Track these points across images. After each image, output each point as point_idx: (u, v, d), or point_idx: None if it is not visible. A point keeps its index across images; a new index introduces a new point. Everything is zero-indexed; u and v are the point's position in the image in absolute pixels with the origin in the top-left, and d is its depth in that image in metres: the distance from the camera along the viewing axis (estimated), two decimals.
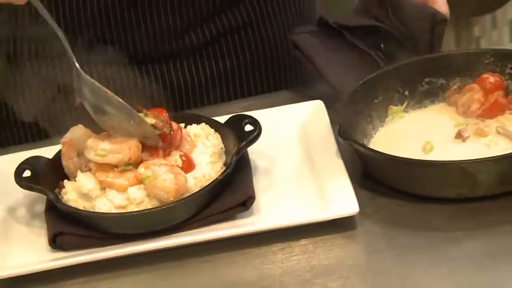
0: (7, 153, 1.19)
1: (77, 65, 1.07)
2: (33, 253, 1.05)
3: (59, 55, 1.25)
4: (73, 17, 1.27)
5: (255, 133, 1.09)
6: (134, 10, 1.27)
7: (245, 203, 1.04)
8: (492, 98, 1.14)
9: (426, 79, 1.20)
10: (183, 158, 1.06)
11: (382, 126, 1.17)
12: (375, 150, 1.07)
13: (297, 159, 1.13)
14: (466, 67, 1.19)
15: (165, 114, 1.08)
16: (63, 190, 1.07)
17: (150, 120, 1.05)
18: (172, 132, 1.06)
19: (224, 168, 1.08)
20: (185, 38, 1.31)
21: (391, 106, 1.18)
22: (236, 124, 1.11)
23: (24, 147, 1.20)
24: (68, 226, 1.04)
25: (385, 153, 1.06)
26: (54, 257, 1.03)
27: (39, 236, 1.06)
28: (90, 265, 1.01)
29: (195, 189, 1.05)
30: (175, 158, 1.05)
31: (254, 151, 1.11)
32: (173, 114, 1.12)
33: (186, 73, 1.32)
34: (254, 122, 1.10)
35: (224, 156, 1.10)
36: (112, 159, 1.04)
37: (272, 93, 1.35)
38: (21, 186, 1.07)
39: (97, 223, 1.04)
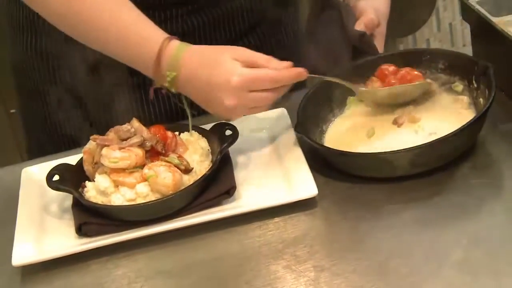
0: (40, 163, 1.16)
1: None
2: (64, 240, 1.03)
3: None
4: None
5: (234, 136, 1.07)
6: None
7: (229, 192, 1.03)
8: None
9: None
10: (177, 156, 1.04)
11: (341, 113, 1.15)
12: (317, 143, 1.06)
13: (267, 155, 1.11)
14: (409, 63, 1.14)
15: (162, 130, 1.06)
16: (85, 189, 1.05)
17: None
18: (163, 150, 1.04)
19: (210, 165, 1.06)
20: None
21: (349, 97, 1.15)
22: (218, 130, 1.09)
23: (52, 157, 1.18)
24: (91, 217, 1.02)
25: (324, 146, 1.06)
26: (81, 242, 1.01)
27: (68, 226, 1.04)
28: (109, 247, 1.00)
29: (189, 183, 1.03)
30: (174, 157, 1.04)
31: (233, 150, 1.09)
32: (170, 125, 1.10)
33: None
34: (233, 128, 1.08)
35: (210, 155, 1.08)
36: (122, 164, 1.02)
37: None
38: (51, 188, 1.05)
39: (113, 213, 1.02)
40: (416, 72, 1.13)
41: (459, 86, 1.13)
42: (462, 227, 0.94)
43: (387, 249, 0.93)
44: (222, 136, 1.08)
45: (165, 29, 1.07)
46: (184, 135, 1.10)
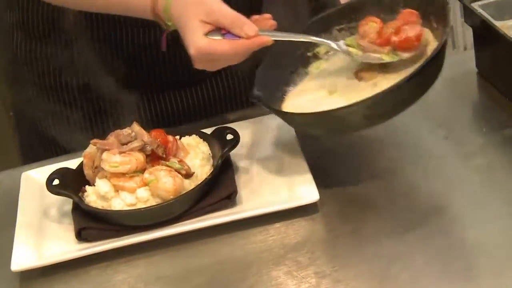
0: (40, 166, 1.15)
1: None
2: (63, 245, 1.02)
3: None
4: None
5: (235, 141, 1.06)
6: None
7: (230, 196, 1.02)
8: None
9: (337, 27, 1.11)
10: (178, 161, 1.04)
11: (306, 74, 1.11)
12: (273, 108, 1.03)
13: (269, 159, 1.10)
14: (371, 10, 1.09)
15: (163, 134, 1.05)
16: (85, 194, 1.04)
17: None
18: (164, 155, 1.03)
19: (212, 169, 1.05)
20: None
21: (315, 51, 1.12)
22: (219, 134, 1.08)
23: (52, 161, 1.17)
24: (91, 222, 1.02)
25: (278, 110, 1.03)
26: (81, 247, 1.00)
27: (67, 231, 1.03)
28: (110, 252, 0.99)
29: (190, 187, 1.02)
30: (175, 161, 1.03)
31: (235, 155, 1.09)
32: (170, 129, 1.09)
33: (183, 100, 1.28)
34: (234, 132, 1.07)
35: (211, 160, 1.07)
36: (122, 169, 1.01)
37: (246, 109, 1.32)
38: (51, 192, 1.04)
39: (113, 218, 1.01)
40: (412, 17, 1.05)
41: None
42: (465, 233, 0.94)
43: (389, 254, 0.93)
44: (223, 140, 1.07)
45: None
46: (185, 139, 1.09)
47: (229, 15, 1.00)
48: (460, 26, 2.54)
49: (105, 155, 1.02)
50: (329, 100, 1.05)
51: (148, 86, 1.25)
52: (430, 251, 0.92)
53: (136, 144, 1.03)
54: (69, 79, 1.24)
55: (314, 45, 1.12)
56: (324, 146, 1.12)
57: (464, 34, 2.55)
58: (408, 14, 1.04)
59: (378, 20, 1.05)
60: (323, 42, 1.07)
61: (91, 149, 1.07)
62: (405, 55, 1.02)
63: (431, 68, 0.98)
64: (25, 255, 0.99)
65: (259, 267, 0.95)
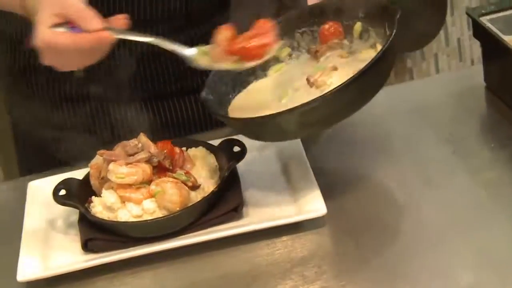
0: (46, 176, 1.15)
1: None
2: (69, 255, 1.01)
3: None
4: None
5: (242, 153, 1.06)
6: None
7: (236, 209, 1.02)
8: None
9: (299, 30, 1.10)
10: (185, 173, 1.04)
11: (264, 76, 1.10)
12: (214, 111, 1.03)
13: (275, 172, 1.09)
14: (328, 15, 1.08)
15: (170, 146, 1.05)
16: (92, 204, 1.03)
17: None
18: (171, 166, 1.03)
19: (218, 181, 1.05)
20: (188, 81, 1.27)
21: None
22: (227, 146, 1.08)
23: (58, 171, 1.17)
24: (97, 232, 1.01)
25: (218, 113, 1.02)
26: (87, 258, 1.00)
27: (74, 242, 1.03)
28: (116, 264, 0.98)
29: (196, 199, 1.02)
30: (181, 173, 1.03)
31: (241, 167, 1.08)
32: (177, 140, 1.09)
33: (188, 109, 1.28)
34: (241, 145, 1.07)
35: (218, 172, 1.07)
36: (129, 180, 1.01)
37: None
38: (57, 203, 1.04)
39: (120, 229, 1.01)
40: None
41: (374, 38, 1.05)
42: (472, 248, 0.93)
43: (396, 270, 0.92)
44: (230, 152, 1.07)
45: None
46: (192, 151, 1.09)
47: (79, 9, 0.99)
48: (467, 39, 2.54)
49: (111, 166, 1.02)
50: (277, 104, 1.03)
51: (153, 95, 1.25)
52: (436, 266, 0.91)
53: (142, 155, 1.03)
54: (69, 89, 1.24)
55: None
56: (332, 159, 1.12)
57: (471, 47, 2.55)
58: (262, 24, 1.02)
59: (230, 28, 1.03)
60: (173, 47, 1.03)
61: (97, 159, 1.07)
62: (248, 64, 1.01)
63: (367, 78, 0.96)
64: (31, 266, 0.99)
65: (265, 281, 0.94)
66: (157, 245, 0.99)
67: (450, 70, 2.56)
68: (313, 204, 1.00)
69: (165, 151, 1.03)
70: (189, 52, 1.03)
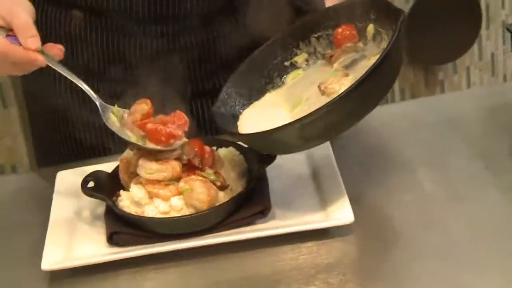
0: (75, 167, 1.15)
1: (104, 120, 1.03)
2: (94, 247, 1.02)
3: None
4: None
5: (272, 156, 1.05)
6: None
7: (263, 212, 1.01)
8: None
9: (315, 35, 1.08)
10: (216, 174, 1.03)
11: (282, 84, 1.09)
12: (224, 130, 1.02)
13: (305, 176, 1.09)
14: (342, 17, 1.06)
15: (200, 144, 1.04)
16: (119, 198, 1.04)
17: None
18: (200, 165, 1.03)
19: (246, 183, 1.04)
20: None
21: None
22: None
23: (87, 162, 1.17)
24: (123, 226, 1.02)
25: (224, 129, 1.02)
26: (111, 251, 1.00)
27: (99, 234, 1.03)
28: (140, 259, 0.98)
29: (224, 199, 1.02)
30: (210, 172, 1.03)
31: (270, 170, 1.08)
32: (207, 139, 1.09)
33: None
34: None
35: (246, 173, 1.07)
36: (158, 176, 1.01)
37: None
38: (85, 194, 1.04)
39: (146, 225, 1.01)
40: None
41: (386, 40, 1.01)
42: (502, 266, 0.92)
43: (421, 282, 0.91)
44: (260, 155, 1.06)
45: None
46: (222, 151, 1.09)
47: (23, 23, 1.00)
48: (501, 54, 2.52)
49: (141, 161, 1.02)
50: (289, 115, 1.02)
51: (188, 93, 1.25)
52: (463, 281, 0.90)
53: (173, 152, 1.03)
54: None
55: (291, 53, 1.09)
56: (362, 165, 1.11)
57: (505, 62, 2.53)
58: (179, 115, 1.04)
59: (149, 103, 1.04)
60: (91, 94, 1.04)
61: (127, 154, 1.07)
62: (151, 145, 1.02)
63: (366, 87, 0.92)
64: (56, 255, 1.00)
65: (288, 285, 0.94)
66: (182, 242, 0.99)
67: (482, 84, 2.54)
68: (340, 211, 1.00)
69: (195, 149, 1.03)
70: (100, 104, 1.04)
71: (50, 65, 1.01)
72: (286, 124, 0.93)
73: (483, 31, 2.47)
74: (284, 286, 0.94)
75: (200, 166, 1.03)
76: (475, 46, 2.48)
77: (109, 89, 1.20)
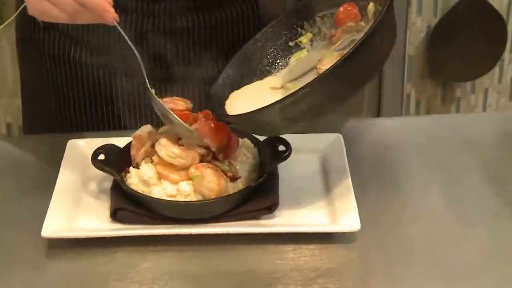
0: (87, 137, 1.15)
1: (149, 88, 1.01)
2: (96, 221, 1.01)
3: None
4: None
5: (286, 153, 1.05)
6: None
7: (270, 208, 1.01)
8: None
9: (319, 14, 1.06)
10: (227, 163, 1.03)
11: (287, 64, 1.07)
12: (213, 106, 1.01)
13: (315, 178, 1.09)
14: None
15: (228, 132, 1.02)
16: (128, 175, 1.03)
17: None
18: (220, 157, 1.02)
19: (257, 177, 1.04)
20: None
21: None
22: (271, 143, 1.06)
23: (99, 135, 1.17)
24: (128, 204, 1.01)
25: (220, 113, 1.00)
26: (113, 227, 1.00)
27: (103, 208, 1.03)
28: (140, 238, 0.98)
29: (233, 191, 1.01)
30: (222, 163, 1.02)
31: (281, 166, 1.07)
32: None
33: None
34: (286, 144, 1.06)
35: (259, 167, 1.06)
36: (177, 162, 1.00)
37: None
38: (95, 167, 1.04)
39: (152, 205, 1.00)
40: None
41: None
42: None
43: None
44: (274, 150, 1.05)
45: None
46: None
47: None
48: None
49: (164, 140, 1.00)
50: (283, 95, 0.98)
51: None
52: None
53: (198, 150, 1.01)
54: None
55: (296, 34, 1.07)
56: (374, 176, 1.11)
57: None
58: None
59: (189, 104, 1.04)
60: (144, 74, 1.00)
61: (141, 131, 1.06)
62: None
63: (348, 68, 0.90)
64: (57, 224, 0.99)
65: (286, 285, 0.93)
66: (184, 228, 0.98)
67: (498, 108, 2.53)
68: (347, 218, 0.99)
69: (222, 141, 1.01)
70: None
71: (117, 25, 0.97)
72: (267, 106, 0.92)
73: (506, 54, 2.46)
74: (282, 285, 0.93)
75: (220, 158, 1.01)
76: (496, 69, 2.47)
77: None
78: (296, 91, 0.90)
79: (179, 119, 1.00)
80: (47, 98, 1.28)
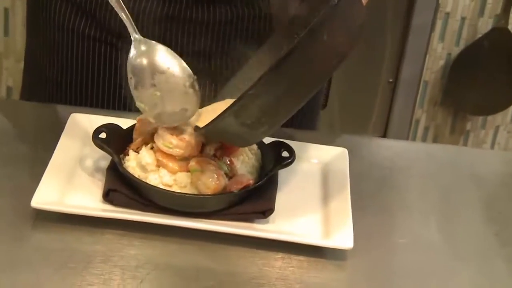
0: (90, 113, 1.15)
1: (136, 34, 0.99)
2: (88, 199, 1.01)
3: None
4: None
5: (289, 160, 1.05)
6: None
7: (264, 213, 1.01)
8: None
9: None
10: (228, 162, 1.03)
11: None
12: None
13: (314, 189, 1.09)
14: None
15: None
16: (127, 157, 1.03)
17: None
18: (220, 157, 1.02)
19: (257, 180, 1.03)
20: None
21: None
22: (275, 148, 1.07)
23: (102, 112, 1.16)
24: (122, 186, 1.01)
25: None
26: (104, 208, 1.00)
27: (96, 187, 1.03)
28: (129, 223, 0.98)
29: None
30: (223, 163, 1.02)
31: (282, 172, 1.07)
32: None
33: None
34: (290, 151, 1.06)
35: (259, 170, 1.06)
36: (175, 152, 1.00)
37: (310, 131, 1.32)
38: (95, 144, 1.03)
39: (145, 191, 1.00)
40: None
41: None
42: None
43: None
44: (277, 155, 1.06)
45: None
46: None
47: None
48: None
49: (161, 130, 1.01)
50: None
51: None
52: None
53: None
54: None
55: None
56: (376, 195, 1.11)
57: None
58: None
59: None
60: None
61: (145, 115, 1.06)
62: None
63: (289, 65, 0.88)
64: (48, 196, 0.99)
65: None
66: (175, 219, 0.98)
67: (507, 147, 2.54)
68: (341, 234, 0.99)
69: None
70: None
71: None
72: (220, 114, 0.92)
73: None
74: None
75: (220, 157, 1.02)
76: (511, 108, 2.47)
77: None
78: (242, 94, 0.90)
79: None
80: (49, 68, 1.28)
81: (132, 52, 0.98)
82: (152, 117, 1.01)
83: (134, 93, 0.99)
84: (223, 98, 1.05)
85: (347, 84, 2.25)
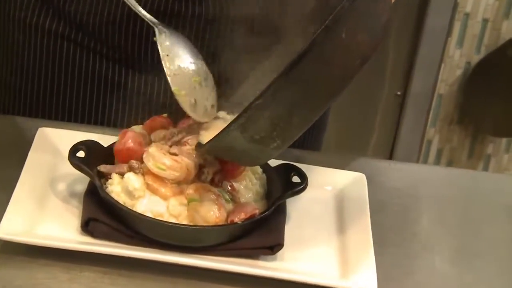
0: (65, 128, 1.16)
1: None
2: (62, 230, 1.02)
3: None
4: None
5: (301, 186, 1.07)
6: None
7: (272, 248, 1.03)
8: None
9: None
10: (230, 188, 1.05)
11: None
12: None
13: (329, 220, 1.11)
14: None
15: None
16: (109, 181, 1.04)
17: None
18: (220, 184, 1.05)
19: (262, 209, 1.05)
20: None
21: None
22: (284, 172, 1.09)
23: (75, 127, 1.18)
24: (104, 215, 1.02)
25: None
26: (82, 240, 1.01)
27: (72, 215, 1.04)
28: (113, 258, 0.99)
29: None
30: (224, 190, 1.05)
31: (291, 200, 1.09)
32: None
33: None
34: (302, 176, 1.08)
35: (265, 198, 1.08)
36: (169, 175, 1.02)
37: (319, 153, 1.34)
38: (72, 165, 1.04)
39: (132, 221, 1.02)
40: None
41: None
42: None
43: None
44: (287, 181, 1.08)
45: None
46: None
47: None
48: None
49: (153, 149, 1.03)
50: None
51: None
52: None
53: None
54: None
55: None
56: (397, 227, 1.14)
57: None
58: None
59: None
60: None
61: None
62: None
63: (302, 68, 0.91)
64: (15, 225, 1.00)
65: None
66: (167, 254, 1.00)
67: None
68: (362, 274, 1.01)
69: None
70: None
71: None
72: (224, 128, 0.94)
73: None
74: None
75: (220, 184, 1.04)
76: None
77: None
78: (248, 105, 0.92)
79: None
80: (7, 73, 1.29)
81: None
82: (188, 106, 1.04)
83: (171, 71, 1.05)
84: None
85: (346, 97, 2.26)
